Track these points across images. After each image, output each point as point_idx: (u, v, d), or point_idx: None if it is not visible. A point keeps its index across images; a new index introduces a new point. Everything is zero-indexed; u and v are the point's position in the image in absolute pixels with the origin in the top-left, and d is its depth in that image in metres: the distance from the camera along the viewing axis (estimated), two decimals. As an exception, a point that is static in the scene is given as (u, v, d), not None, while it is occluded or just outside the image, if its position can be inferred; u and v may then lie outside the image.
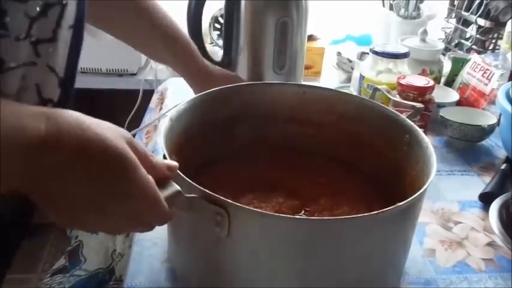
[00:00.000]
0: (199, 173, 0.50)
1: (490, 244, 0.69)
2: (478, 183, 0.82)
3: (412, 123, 0.65)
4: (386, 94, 0.86)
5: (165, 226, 0.68)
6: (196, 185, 0.48)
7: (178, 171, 0.48)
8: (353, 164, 0.72)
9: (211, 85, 0.70)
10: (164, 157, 0.53)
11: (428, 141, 0.60)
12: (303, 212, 0.63)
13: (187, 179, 0.48)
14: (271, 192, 0.64)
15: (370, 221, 0.49)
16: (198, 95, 0.68)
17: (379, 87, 0.89)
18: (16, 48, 0.41)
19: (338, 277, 0.51)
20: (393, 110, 0.69)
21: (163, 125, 0.59)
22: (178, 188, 0.46)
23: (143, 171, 0.41)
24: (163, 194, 0.44)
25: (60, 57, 0.46)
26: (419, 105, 0.77)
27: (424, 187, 0.52)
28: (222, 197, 0.47)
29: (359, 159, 0.71)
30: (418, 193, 0.51)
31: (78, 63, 0.50)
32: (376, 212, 0.47)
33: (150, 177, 0.42)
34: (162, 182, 0.45)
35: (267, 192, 0.64)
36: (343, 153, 0.72)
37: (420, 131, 0.63)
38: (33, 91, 0.45)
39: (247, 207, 0.51)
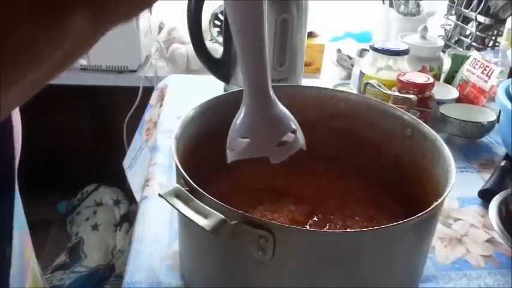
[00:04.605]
0: (200, 187, 0.49)
1: (490, 241, 0.69)
2: (478, 180, 0.82)
3: (413, 117, 0.65)
4: (378, 88, 0.86)
5: (172, 232, 0.68)
6: (238, 211, 0.46)
7: (216, 199, 0.46)
8: (351, 162, 0.71)
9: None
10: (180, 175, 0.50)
11: (435, 133, 0.60)
12: (315, 217, 0.61)
13: (228, 206, 0.46)
14: (278, 201, 0.63)
15: (419, 222, 0.48)
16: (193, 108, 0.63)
17: (370, 81, 0.89)
18: None
19: (386, 284, 0.51)
20: (390, 105, 0.69)
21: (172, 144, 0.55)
22: (222, 216, 0.44)
23: None
24: (207, 225, 0.42)
25: None
26: (413, 97, 0.77)
27: (450, 184, 0.51)
28: (268, 220, 0.46)
29: (356, 156, 0.71)
30: (449, 189, 0.50)
31: None
32: (421, 213, 0.47)
33: None
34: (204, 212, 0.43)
35: (274, 201, 0.62)
36: (339, 152, 0.71)
37: (423, 123, 0.63)
38: None
39: (294, 226, 0.50)
